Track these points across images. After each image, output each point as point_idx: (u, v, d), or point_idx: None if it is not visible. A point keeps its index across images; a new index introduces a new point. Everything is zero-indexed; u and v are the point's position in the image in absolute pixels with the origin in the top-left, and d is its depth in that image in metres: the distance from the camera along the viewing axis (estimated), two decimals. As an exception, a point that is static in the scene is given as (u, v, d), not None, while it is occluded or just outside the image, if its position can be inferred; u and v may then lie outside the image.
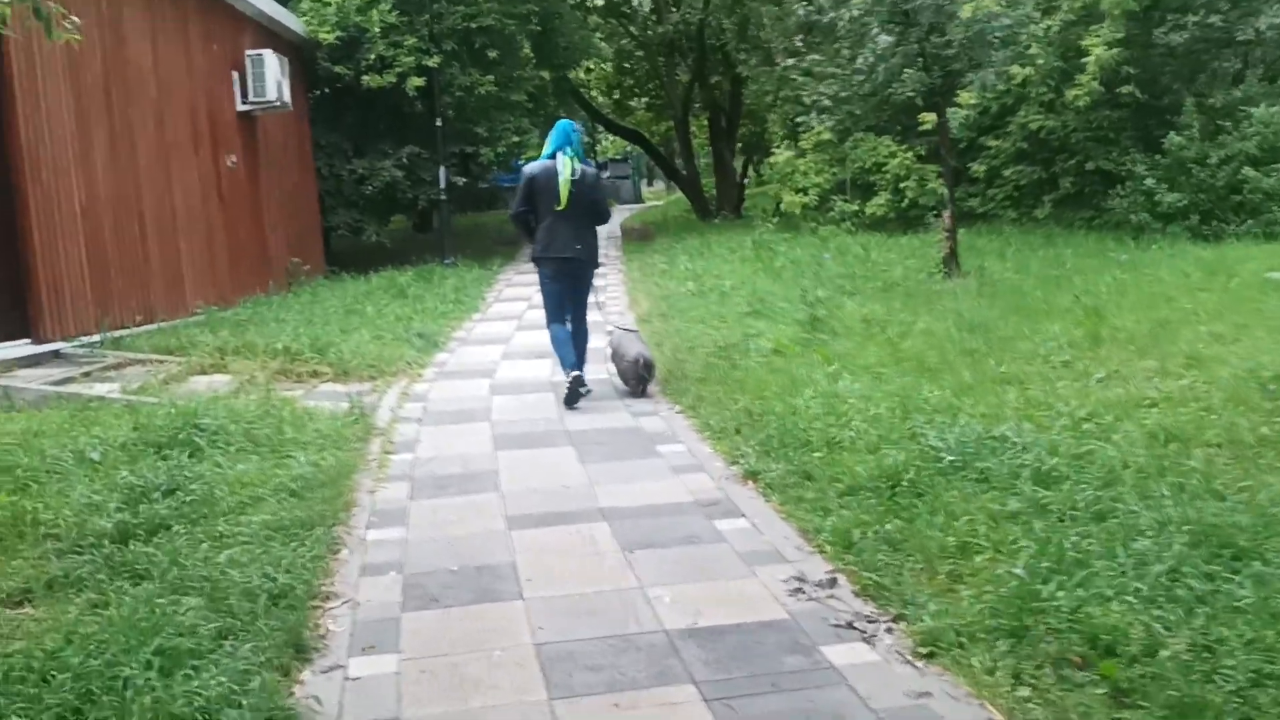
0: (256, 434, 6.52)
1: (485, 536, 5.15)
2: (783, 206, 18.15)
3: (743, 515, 5.29)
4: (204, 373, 9.02)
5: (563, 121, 8.38)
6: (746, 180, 28.50)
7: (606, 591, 4.36)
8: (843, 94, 11.66)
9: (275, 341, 9.53)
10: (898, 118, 17.99)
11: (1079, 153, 16.14)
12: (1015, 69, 11.71)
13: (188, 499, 5.27)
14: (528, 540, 5.08)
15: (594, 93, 29.68)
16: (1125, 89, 14.73)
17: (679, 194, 49.94)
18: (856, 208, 17.81)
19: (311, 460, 6.15)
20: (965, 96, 12.64)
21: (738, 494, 5.67)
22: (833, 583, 4.34)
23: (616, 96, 28.27)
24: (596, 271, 8.51)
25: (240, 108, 14.08)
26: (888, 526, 4.70)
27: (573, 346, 8.19)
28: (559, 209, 7.86)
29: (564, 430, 7.19)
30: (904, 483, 5.23)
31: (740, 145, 29.01)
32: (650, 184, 54.26)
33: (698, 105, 27.48)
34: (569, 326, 8.29)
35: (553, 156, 7.97)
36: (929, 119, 14.15)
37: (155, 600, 3.98)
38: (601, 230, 8.53)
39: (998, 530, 4.47)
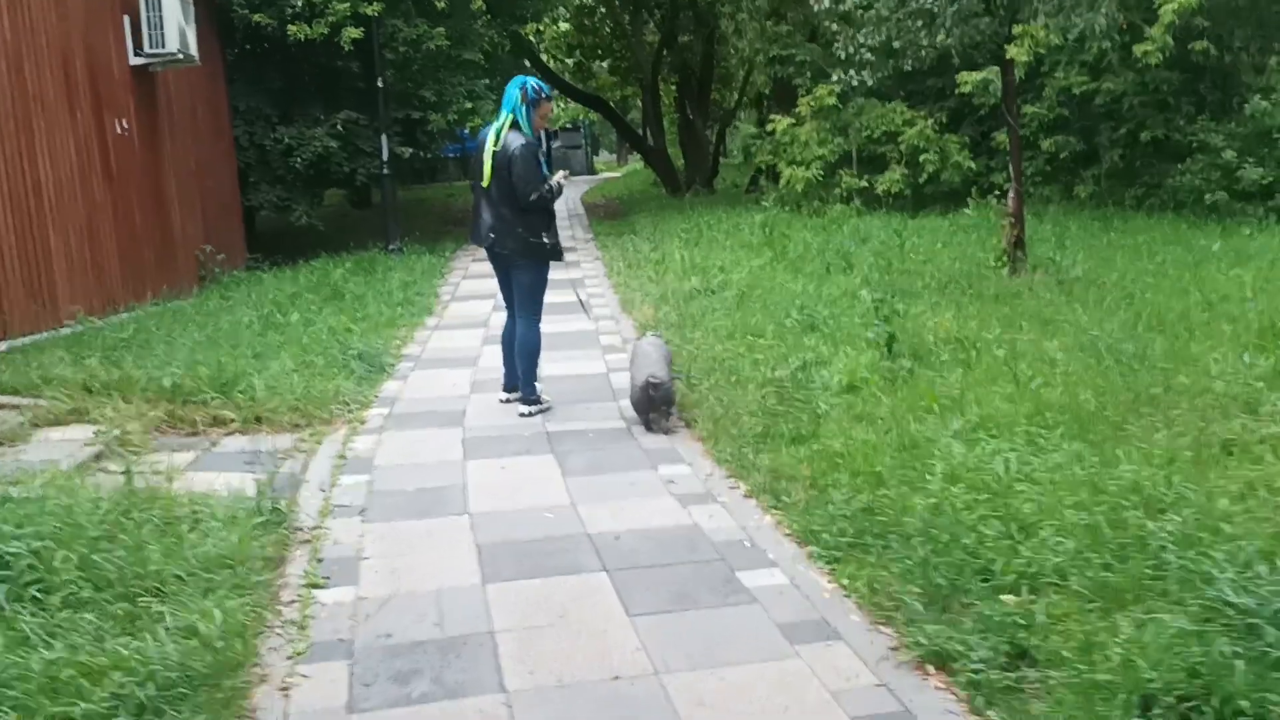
0: (101, 567, 4.01)
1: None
2: (781, 182, 15.74)
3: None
4: (56, 423, 6.44)
5: (516, 78, 6.71)
6: (723, 151, 26.04)
7: None
8: (896, 42, 9.25)
9: (163, 373, 6.94)
10: (914, 79, 15.67)
11: (1129, 120, 13.92)
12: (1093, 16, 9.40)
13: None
14: None
15: (549, 55, 27.00)
16: (1198, 45, 12.49)
17: (633, 165, 47.43)
18: (865, 183, 15.46)
19: (184, 625, 3.68)
20: (1017, 50, 10.21)
21: (922, 703, 3.30)
22: None
23: (577, 58, 25.59)
24: (586, 267, 6.66)
25: (134, 60, 11.36)
26: None
27: (508, 348, 6.98)
28: (483, 185, 6.57)
29: (586, 534, 4.75)
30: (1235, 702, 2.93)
31: (710, 114, 26.54)
32: (597, 154, 51.58)
33: (666, 68, 24.92)
34: (513, 323, 6.97)
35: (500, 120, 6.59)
36: (971, 78, 11.86)
37: None
38: (560, 208, 6.38)
39: None
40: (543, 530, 4.78)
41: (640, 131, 28.04)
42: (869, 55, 9.65)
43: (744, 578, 4.21)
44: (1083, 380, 6.21)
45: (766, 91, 20.84)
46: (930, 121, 15.17)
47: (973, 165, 14.91)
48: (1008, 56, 9.81)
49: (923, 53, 9.47)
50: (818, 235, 13.16)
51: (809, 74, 17.69)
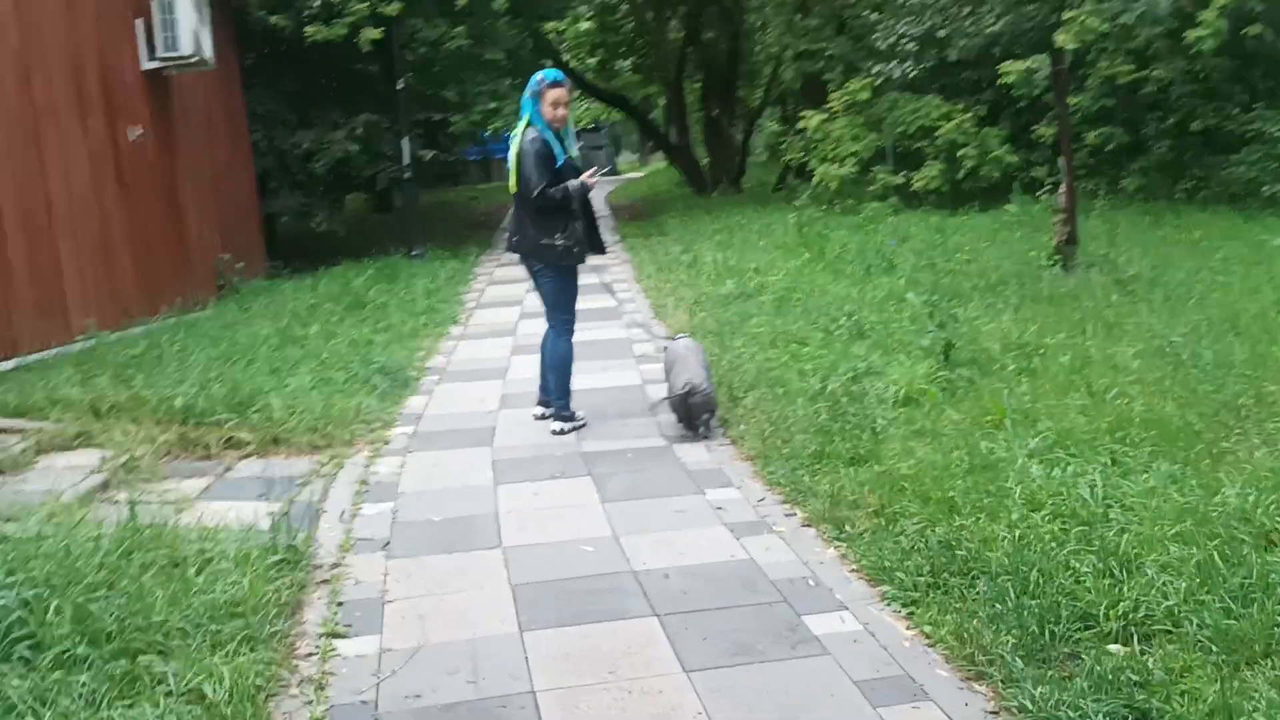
0: (98, 618, 3.61)
1: None
2: (815, 180, 15.25)
3: None
4: (62, 448, 6.07)
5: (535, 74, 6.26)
6: (748, 150, 25.56)
7: None
8: (941, 30, 8.77)
9: (175, 392, 6.56)
10: (948, 71, 15.15)
11: (1177, 110, 13.36)
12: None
13: None
14: None
15: (571, 55, 26.56)
16: (1251, 30, 11.92)
17: (655, 165, 46.91)
18: (902, 180, 14.95)
19: (189, 687, 3.28)
20: (1066, 38, 9.67)
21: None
22: None
23: (600, 56, 25.12)
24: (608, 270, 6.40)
25: (146, 65, 10.99)
26: None
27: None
28: (510, 189, 6.27)
29: (631, 571, 4.31)
30: None
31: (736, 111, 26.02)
32: (618, 154, 51.10)
33: (690, 66, 24.41)
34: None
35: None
36: (1014, 69, 11.32)
37: None
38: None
39: None
40: (583, 566, 4.36)
41: (664, 131, 27.56)
42: (911, 45, 9.15)
43: (811, 623, 3.77)
44: (1162, 390, 5.73)
45: (797, 87, 20.31)
46: (969, 115, 14.63)
47: (1014, 160, 14.38)
48: (1057, 45, 9.32)
49: (969, 41, 8.97)
50: (855, 234, 12.66)
51: (840, 68, 17.22)
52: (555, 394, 6.42)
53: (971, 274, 9.94)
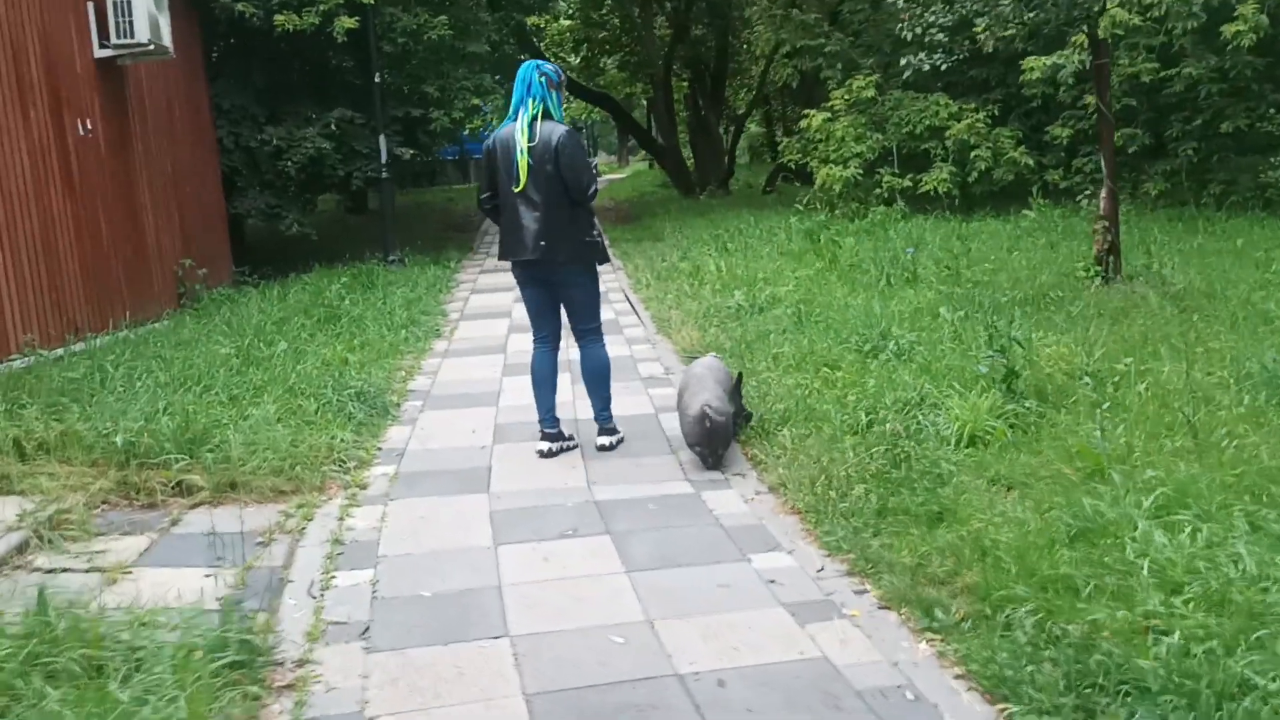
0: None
1: None
2: (817, 182, 14.42)
3: None
4: (-22, 497, 5.12)
5: (525, 64, 5.75)
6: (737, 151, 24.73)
7: None
8: (979, 19, 7.93)
9: (116, 426, 5.60)
10: (953, 70, 14.35)
11: (1205, 110, 12.61)
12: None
13: None
14: None
15: (552, 53, 25.62)
16: (1289, 25, 11.19)
17: (636, 166, 46.07)
18: (908, 183, 14.14)
19: None
20: (1106, 23, 8.83)
21: None
22: None
23: (584, 53, 24.21)
24: (602, 271, 6.02)
25: (98, 53, 10.02)
26: None
27: (547, 386, 5.89)
28: (517, 189, 5.53)
29: (675, 674, 3.42)
30: None
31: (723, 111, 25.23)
32: (596, 154, 50.32)
33: (677, 64, 23.56)
34: (553, 353, 5.96)
35: (515, 116, 5.59)
36: (1038, 64, 10.54)
37: None
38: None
39: None
40: (614, 666, 3.47)
41: (649, 130, 26.69)
42: (940, 36, 8.31)
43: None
44: (1270, 426, 4.91)
45: (794, 85, 19.51)
46: (982, 114, 13.83)
47: (1030, 162, 13.60)
48: (1100, 35, 8.52)
49: (1014, 28, 8.13)
50: (865, 241, 11.85)
51: (839, 65, 16.40)
52: (599, 407, 5.91)
53: (1002, 285, 9.13)
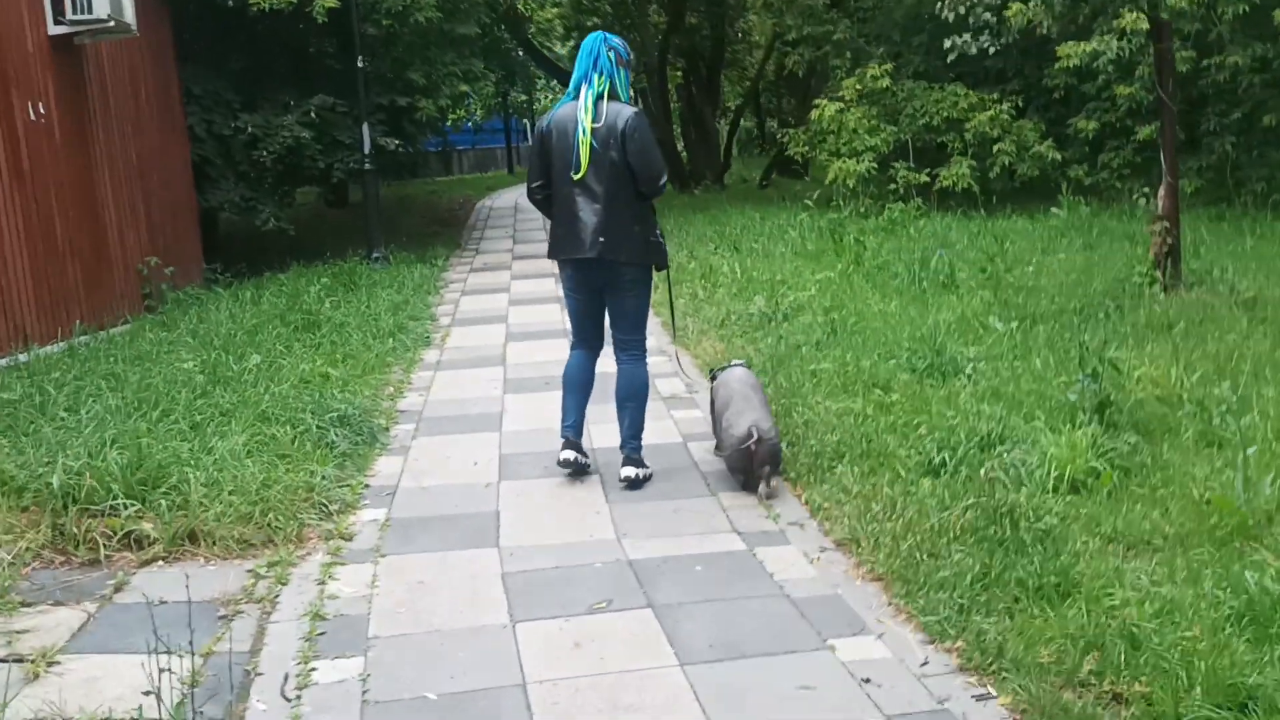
0: None
1: None
2: (829, 177, 13.59)
3: None
4: (-122, 555, 4.22)
5: (591, 35, 5.00)
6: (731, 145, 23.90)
7: None
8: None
9: (53, 464, 4.70)
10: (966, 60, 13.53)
11: (1244, 102, 11.86)
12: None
13: None
14: None
15: (539, 41, 24.69)
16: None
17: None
18: (925, 178, 13.33)
19: None
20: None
21: None
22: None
23: (574, 42, 23.29)
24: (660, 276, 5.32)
25: (53, 29, 9.07)
26: None
27: (580, 393, 5.17)
28: (576, 177, 4.84)
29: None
30: None
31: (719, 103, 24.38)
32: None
33: (672, 54, 22.66)
34: (592, 360, 5.26)
35: (576, 94, 4.88)
36: (1076, 51, 9.78)
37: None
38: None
39: None
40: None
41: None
42: (988, 15, 7.50)
43: None
44: None
45: (799, 74, 18.69)
46: (1006, 105, 13.03)
47: (1057, 157, 12.81)
48: (1163, 15, 7.72)
49: (1060, 10, 7.32)
50: (887, 240, 11.05)
51: (847, 54, 15.60)
52: (632, 432, 5.10)
53: (1049, 292, 8.34)
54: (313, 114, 12.87)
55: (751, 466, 4.80)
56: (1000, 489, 4.19)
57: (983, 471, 4.25)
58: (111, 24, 9.20)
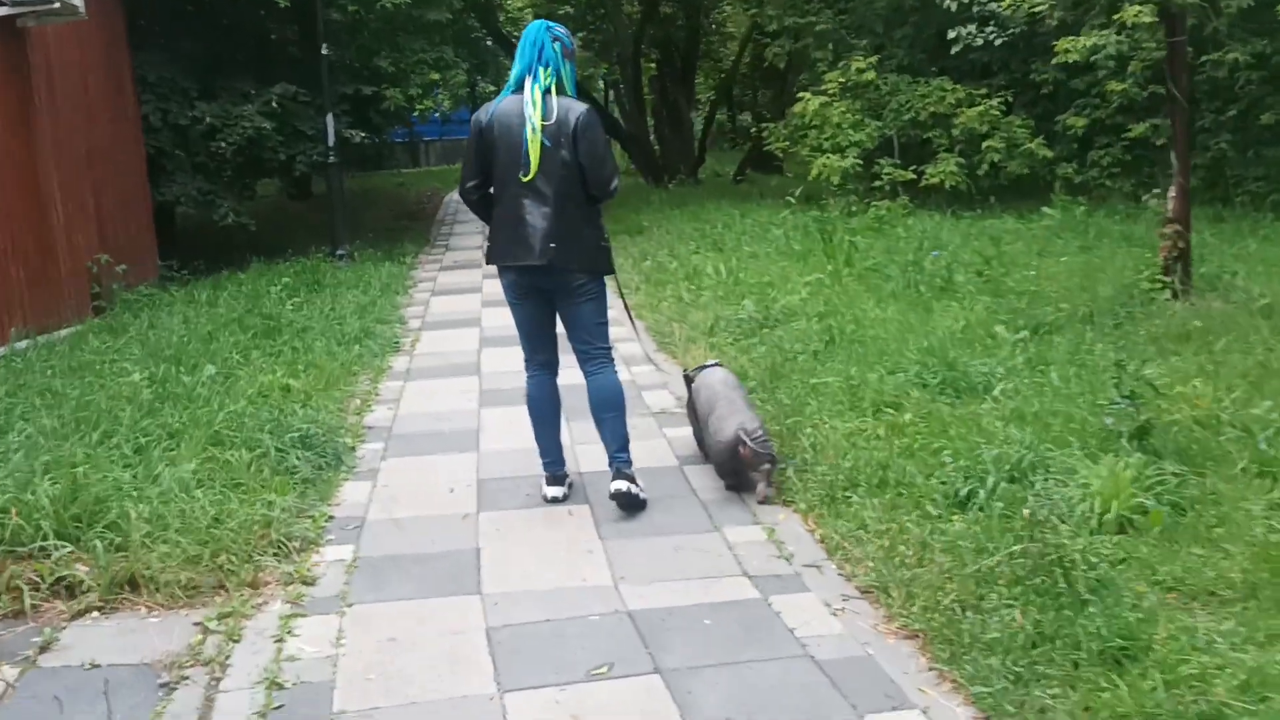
0: None
1: None
2: (814, 173, 13.15)
3: None
4: None
5: (533, 24, 4.62)
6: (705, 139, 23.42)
7: None
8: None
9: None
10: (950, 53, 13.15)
11: (1241, 99, 11.55)
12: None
13: None
14: None
15: (508, 26, 24.08)
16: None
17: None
18: (913, 175, 12.93)
19: None
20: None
21: None
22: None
23: (547, 30, 22.72)
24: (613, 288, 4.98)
25: (-8, 11, 8.48)
26: None
27: (552, 424, 4.86)
28: (525, 179, 4.39)
29: None
30: None
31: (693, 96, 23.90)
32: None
33: (646, 45, 22.12)
34: (554, 381, 4.87)
35: (519, 88, 4.45)
36: (1076, 45, 9.39)
37: None
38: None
39: None
40: None
41: (614, 115, 25.28)
42: (994, 5, 7.07)
43: None
44: None
45: (780, 66, 18.25)
46: (996, 100, 12.64)
47: (1049, 154, 12.45)
48: (1177, 4, 7.33)
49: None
50: (875, 240, 10.62)
51: (830, 46, 15.17)
52: (616, 446, 4.70)
53: (1052, 297, 7.92)
54: (274, 103, 12.27)
55: (743, 469, 4.69)
56: (1043, 532, 3.74)
57: (1026, 511, 3.79)
58: (57, 5, 8.62)
